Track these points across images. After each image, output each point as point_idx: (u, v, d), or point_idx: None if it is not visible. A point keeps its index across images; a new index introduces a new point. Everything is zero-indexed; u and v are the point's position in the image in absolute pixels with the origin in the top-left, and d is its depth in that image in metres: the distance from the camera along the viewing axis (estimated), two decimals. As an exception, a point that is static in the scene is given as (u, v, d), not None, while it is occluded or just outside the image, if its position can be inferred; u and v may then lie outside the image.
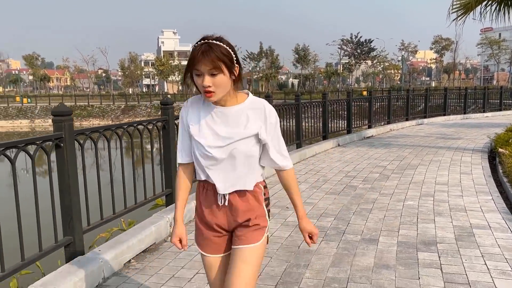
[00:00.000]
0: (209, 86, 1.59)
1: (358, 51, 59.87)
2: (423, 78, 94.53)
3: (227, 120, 1.69)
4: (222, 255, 1.83)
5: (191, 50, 1.64)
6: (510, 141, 7.80)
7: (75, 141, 3.13)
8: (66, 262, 3.07)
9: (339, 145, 9.49)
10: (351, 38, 59.33)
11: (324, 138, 9.67)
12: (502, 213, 4.34)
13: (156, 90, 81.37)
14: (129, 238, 3.45)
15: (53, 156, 3.02)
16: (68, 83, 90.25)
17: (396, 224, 4.08)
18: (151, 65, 76.73)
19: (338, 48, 60.71)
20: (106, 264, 3.07)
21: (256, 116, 1.70)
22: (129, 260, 3.34)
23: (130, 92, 66.11)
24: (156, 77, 75.55)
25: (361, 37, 59.14)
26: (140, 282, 2.99)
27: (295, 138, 8.24)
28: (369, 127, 11.86)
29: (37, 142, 2.84)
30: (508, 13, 7.97)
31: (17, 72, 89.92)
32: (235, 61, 1.63)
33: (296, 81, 75.85)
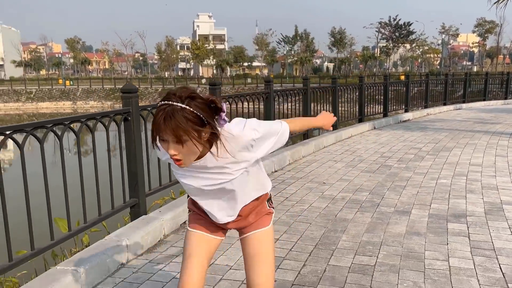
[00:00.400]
0: (175, 154, 1.41)
1: (397, 34, 58.49)
2: (465, 62, 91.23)
3: (206, 168, 1.55)
4: (210, 235, 1.72)
5: (155, 112, 1.41)
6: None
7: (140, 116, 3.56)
8: (132, 221, 3.53)
9: (374, 128, 9.66)
10: (389, 21, 57.98)
11: (360, 121, 9.85)
12: (533, 192, 4.51)
13: (191, 74, 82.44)
14: (183, 203, 3.87)
15: (97, 135, 3.45)
16: (107, 67, 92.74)
17: (428, 199, 4.34)
18: (187, 49, 77.74)
19: (376, 31, 59.50)
20: (166, 223, 3.51)
21: (235, 147, 1.52)
22: (184, 222, 3.78)
23: (166, 75, 67.42)
24: (191, 61, 76.52)
25: (399, 19, 57.67)
26: (195, 239, 3.41)
27: (331, 120, 8.48)
28: (406, 111, 11.91)
29: (111, 115, 3.28)
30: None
31: (60, 55, 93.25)
32: (211, 114, 1.41)
33: (331, 65, 75.04)
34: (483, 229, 3.51)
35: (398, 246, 3.21)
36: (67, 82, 53.01)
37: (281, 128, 1.64)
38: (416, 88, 13.17)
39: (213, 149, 1.47)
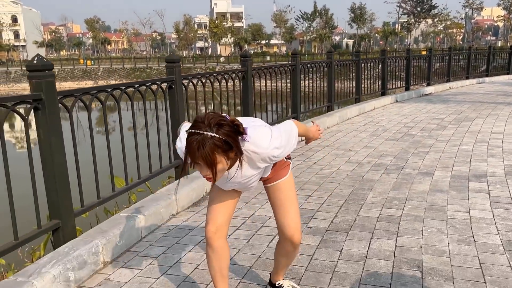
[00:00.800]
0: (208, 175, 1.58)
1: (418, 9, 57.10)
2: (489, 37, 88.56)
3: (229, 177, 1.78)
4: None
5: (187, 141, 1.54)
6: None
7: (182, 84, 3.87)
8: (176, 179, 3.89)
9: (397, 101, 9.80)
10: (410, -5, 56.59)
11: (383, 94, 9.99)
12: (553, 156, 4.71)
13: (209, 53, 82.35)
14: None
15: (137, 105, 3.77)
16: (125, 46, 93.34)
17: (450, 163, 4.58)
18: (204, 28, 77.60)
19: (397, 6, 58.24)
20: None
21: (255, 159, 1.72)
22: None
23: (184, 54, 67.65)
24: (209, 39, 76.43)
25: (421, -7, 56.19)
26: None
27: (354, 93, 8.68)
28: (428, 84, 11.96)
29: (158, 83, 3.60)
30: None
31: (80, 35, 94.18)
32: (236, 137, 1.58)
33: (350, 42, 73.96)
34: (502, 187, 3.75)
35: (422, 201, 3.49)
36: (89, 62, 53.76)
37: (295, 136, 1.84)
38: (438, 64, 13.11)
39: (237, 163, 1.68)
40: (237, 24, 76.78)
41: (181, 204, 3.46)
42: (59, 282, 2.23)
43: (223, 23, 67.60)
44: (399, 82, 10.98)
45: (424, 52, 32.84)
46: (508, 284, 2.24)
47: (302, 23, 66.39)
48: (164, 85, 3.69)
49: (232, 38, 67.80)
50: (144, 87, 3.45)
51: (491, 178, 4.02)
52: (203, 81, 4.28)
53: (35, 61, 2.43)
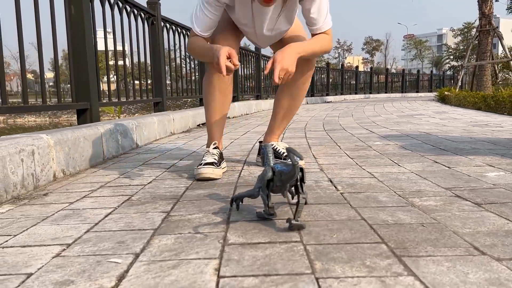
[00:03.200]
0: None
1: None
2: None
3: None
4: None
5: None
6: (449, 92, 9.51)
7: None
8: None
9: (307, 103, 10.73)
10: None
11: (295, 97, 10.85)
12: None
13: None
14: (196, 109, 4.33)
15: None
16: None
17: (388, 112, 5.32)
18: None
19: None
20: (190, 118, 3.95)
21: None
22: (198, 124, 4.24)
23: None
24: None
25: (299, 37, 61.86)
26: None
27: (272, 92, 9.35)
28: (327, 94, 13.30)
29: (144, 11, 3.67)
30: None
31: None
32: None
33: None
34: (440, 116, 4.53)
35: (389, 121, 4.06)
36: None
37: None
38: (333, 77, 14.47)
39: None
40: (121, 62, 75.23)
41: (176, 127, 3.51)
42: (112, 139, 2.20)
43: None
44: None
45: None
46: (457, 129, 2.83)
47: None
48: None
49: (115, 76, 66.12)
50: (135, 10, 3.50)
51: (426, 115, 4.81)
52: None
53: None
